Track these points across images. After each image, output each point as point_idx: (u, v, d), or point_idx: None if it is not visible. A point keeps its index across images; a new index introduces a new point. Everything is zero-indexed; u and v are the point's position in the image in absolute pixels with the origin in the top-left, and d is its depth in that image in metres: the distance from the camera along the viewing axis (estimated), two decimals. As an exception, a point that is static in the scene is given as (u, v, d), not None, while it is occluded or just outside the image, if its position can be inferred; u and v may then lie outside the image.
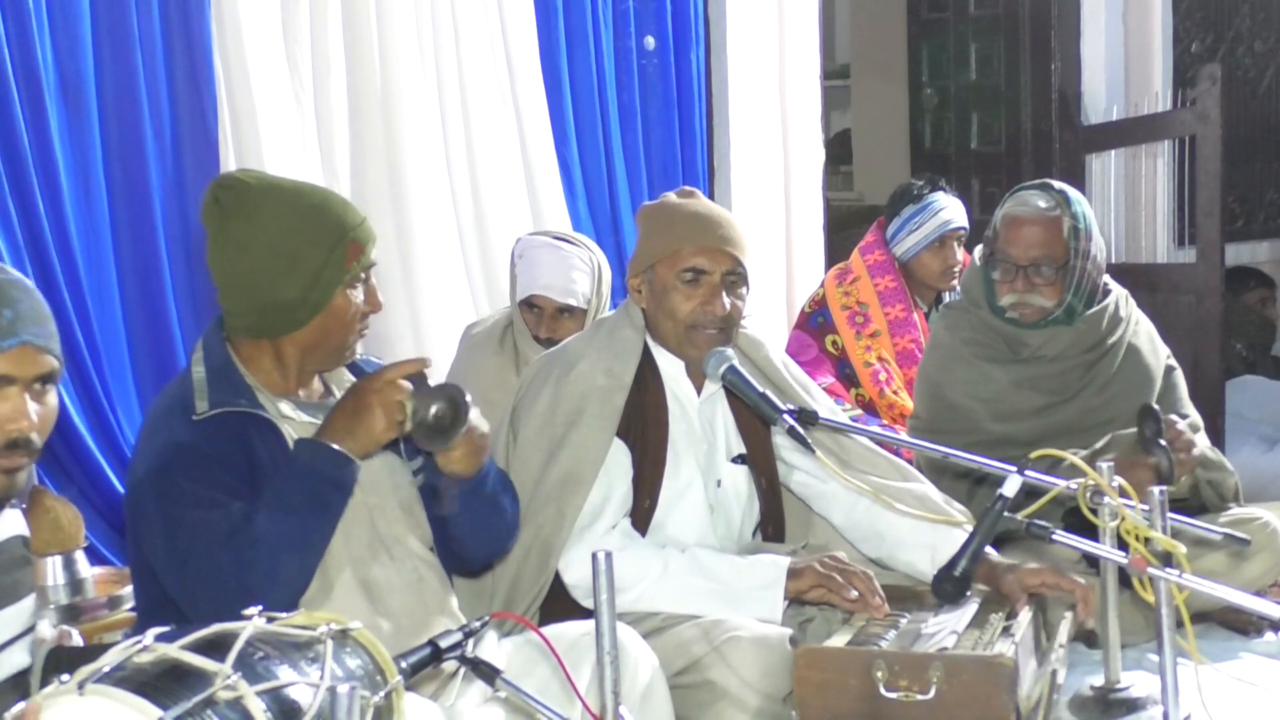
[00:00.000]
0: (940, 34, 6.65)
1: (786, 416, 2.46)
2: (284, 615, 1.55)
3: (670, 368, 2.82)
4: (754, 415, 2.74)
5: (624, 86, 4.76)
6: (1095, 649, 2.94)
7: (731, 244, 2.73)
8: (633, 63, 4.79)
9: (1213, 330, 4.99)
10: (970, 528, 2.48)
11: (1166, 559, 2.12)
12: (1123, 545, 2.16)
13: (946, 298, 4.30)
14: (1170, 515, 2.22)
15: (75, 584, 2.89)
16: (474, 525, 2.40)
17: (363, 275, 2.31)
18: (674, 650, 2.51)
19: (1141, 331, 3.51)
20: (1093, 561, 2.91)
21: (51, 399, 1.87)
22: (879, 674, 2.17)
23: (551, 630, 2.26)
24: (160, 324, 3.58)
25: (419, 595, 2.31)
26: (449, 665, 1.84)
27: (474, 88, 4.27)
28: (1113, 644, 2.47)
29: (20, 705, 1.37)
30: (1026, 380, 3.42)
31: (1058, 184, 3.46)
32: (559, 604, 2.67)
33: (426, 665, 1.75)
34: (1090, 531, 2.25)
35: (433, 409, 2.16)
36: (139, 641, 1.44)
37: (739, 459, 2.86)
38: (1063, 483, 2.27)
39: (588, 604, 2.62)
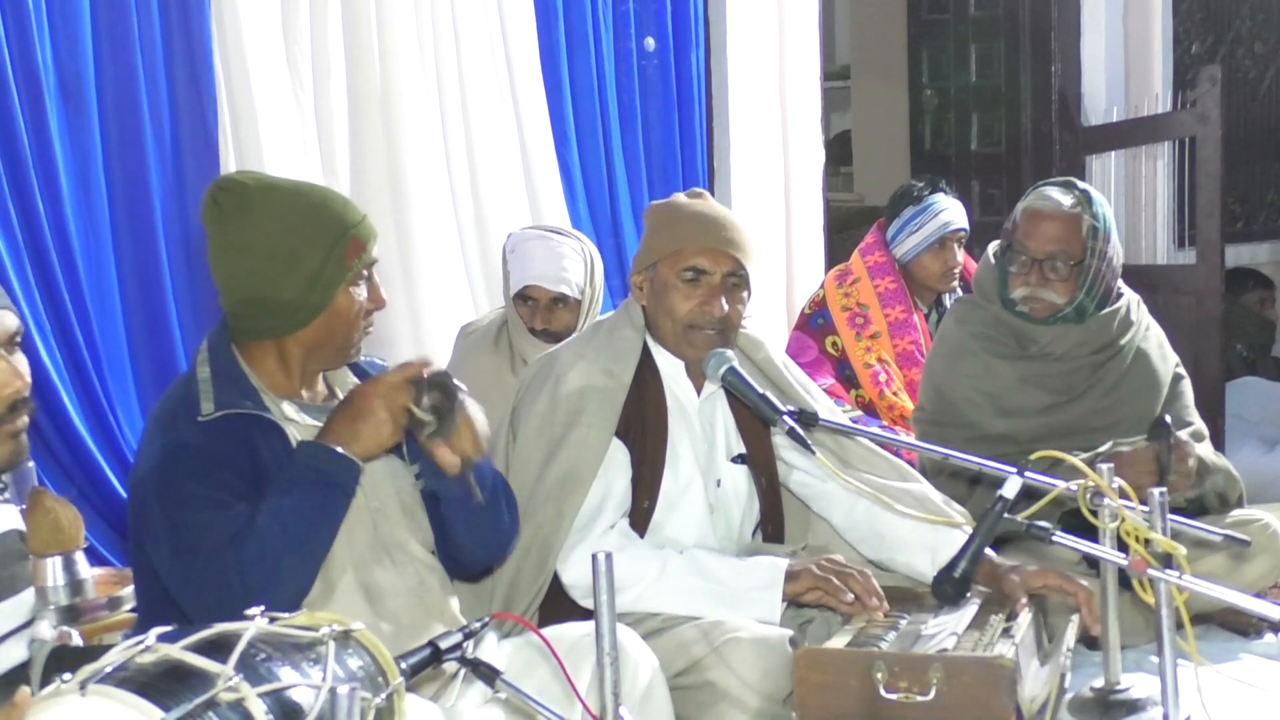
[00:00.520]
0: (940, 35, 6.66)
1: (786, 417, 2.46)
2: (286, 616, 1.55)
3: (670, 368, 2.82)
4: (754, 415, 2.74)
5: (624, 87, 4.76)
6: (1095, 650, 2.94)
7: (734, 246, 2.73)
8: (633, 64, 4.79)
9: (1213, 331, 4.99)
10: (970, 529, 2.48)
11: (1166, 560, 2.12)
12: (1123, 546, 2.16)
13: (947, 299, 4.30)
14: (1170, 517, 2.22)
15: (75, 585, 2.89)
16: (472, 523, 2.39)
17: (365, 273, 2.31)
18: (674, 651, 2.51)
19: (1152, 337, 3.52)
20: (1093, 563, 2.91)
21: (21, 355, 1.89)
22: (879, 675, 2.17)
23: (551, 631, 2.26)
24: (160, 324, 3.58)
25: (420, 598, 2.31)
26: (449, 666, 1.83)
27: (474, 88, 4.27)
28: (1113, 645, 2.46)
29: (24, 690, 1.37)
30: (1033, 377, 3.42)
31: (1081, 184, 3.48)
32: (558, 604, 2.67)
33: (427, 666, 1.75)
34: (1089, 532, 2.25)
35: (425, 400, 2.18)
36: (141, 641, 1.44)
37: (738, 459, 2.86)
38: (1063, 484, 2.26)
39: (586, 604, 2.63)
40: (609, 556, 1.68)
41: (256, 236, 2.23)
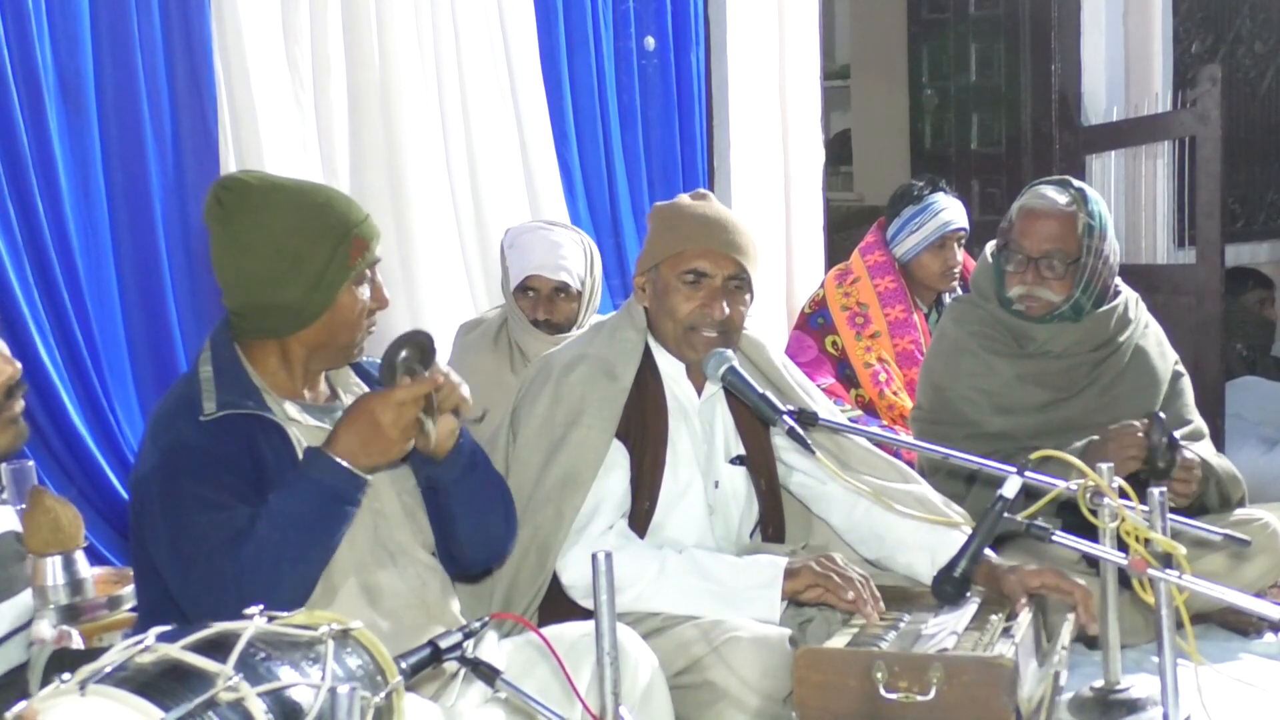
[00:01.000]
0: (940, 35, 6.65)
1: (786, 417, 2.46)
2: (285, 615, 1.55)
3: (671, 369, 2.82)
4: (754, 416, 2.74)
5: (624, 87, 4.76)
6: (1095, 650, 2.94)
7: (736, 249, 2.73)
8: (633, 63, 4.79)
9: (1213, 331, 4.99)
10: (969, 529, 2.48)
11: (1166, 560, 2.12)
12: (1122, 546, 2.16)
13: (946, 299, 4.30)
14: (1170, 516, 2.22)
15: (75, 584, 2.89)
16: (473, 511, 2.39)
17: (368, 272, 2.31)
18: (674, 651, 2.51)
19: (1150, 335, 3.51)
20: (1092, 562, 2.91)
21: (1, 341, 1.89)
22: (879, 675, 2.17)
23: (551, 631, 2.26)
24: (160, 324, 3.58)
25: (421, 600, 2.31)
26: (449, 666, 1.83)
27: (474, 88, 4.27)
28: (1112, 645, 2.46)
29: (21, 705, 1.37)
30: (1031, 375, 3.42)
31: (1077, 182, 3.47)
32: (557, 604, 2.67)
33: (427, 666, 1.75)
34: (1088, 530, 2.25)
35: (402, 354, 2.18)
36: (140, 641, 1.44)
37: (737, 460, 2.86)
38: (1063, 484, 2.26)
39: (584, 603, 2.63)
40: (609, 556, 1.68)
41: (260, 236, 2.23)
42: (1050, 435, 3.19)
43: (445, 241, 4.20)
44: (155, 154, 3.56)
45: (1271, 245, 6.61)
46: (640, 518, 2.76)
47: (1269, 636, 3.44)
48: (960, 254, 4.32)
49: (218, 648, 1.44)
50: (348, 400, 2.32)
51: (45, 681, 1.83)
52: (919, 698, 2.15)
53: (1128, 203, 5.80)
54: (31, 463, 3.06)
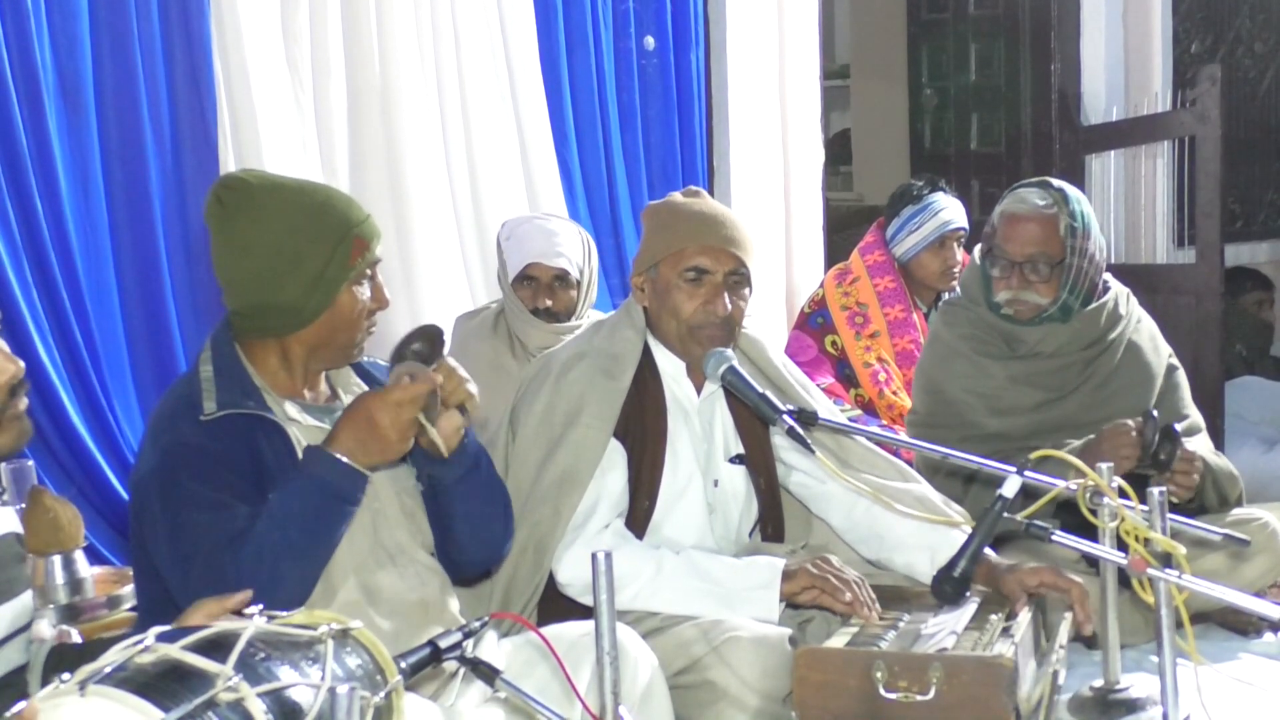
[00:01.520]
0: (940, 34, 6.65)
1: (786, 417, 2.46)
2: (285, 614, 1.55)
3: (670, 368, 2.82)
4: (753, 415, 2.74)
5: (624, 87, 4.76)
6: (1095, 650, 2.94)
7: (735, 244, 2.74)
8: (633, 63, 4.79)
9: (1212, 331, 4.99)
10: (969, 529, 2.48)
11: (1166, 560, 2.12)
12: (1122, 546, 2.16)
13: (946, 298, 4.30)
14: (1170, 516, 2.22)
15: (75, 584, 2.89)
16: (473, 510, 2.39)
17: (368, 272, 2.31)
18: (674, 650, 2.51)
19: (1143, 330, 3.51)
20: (1092, 561, 2.92)
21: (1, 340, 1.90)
22: (878, 675, 2.17)
23: (551, 630, 2.26)
24: (160, 324, 3.58)
25: (421, 600, 2.31)
26: (449, 665, 1.83)
27: (474, 88, 4.27)
28: (1112, 645, 2.47)
29: (20, 705, 1.37)
30: (1024, 376, 3.42)
31: (1057, 182, 3.46)
32: (556, 604, 2.67)
33: (426, 665, 1.75)
34: (1088, 529, 2.25)
35: (413, 346, 2.21)
36: (140, 641, 1.44)
37: (737, 459, 2.86)
38: (1062, 484, 2.26)
39: (583, 601, 2.63)
40: (608, 556, 1.68)
41: (260, 235, 2.23)
42: (1046, 435, 3.19)
43: (445, 241, 4.20)
44: (155, 154, 3.56)
45: (1271, 245, 6.61)
46: (640, 517, 2.76)
47: (1268, 636, 3.44)
48: (960, 254, 4.32)
49: (217, 648, 1.44)
50: (348, 400, 2.31)
51: (45, 681, 1.82)
52: (918, 697, 2.15)
53: (1127, 202, 5.80)
54: (31, 463, 3.06)
